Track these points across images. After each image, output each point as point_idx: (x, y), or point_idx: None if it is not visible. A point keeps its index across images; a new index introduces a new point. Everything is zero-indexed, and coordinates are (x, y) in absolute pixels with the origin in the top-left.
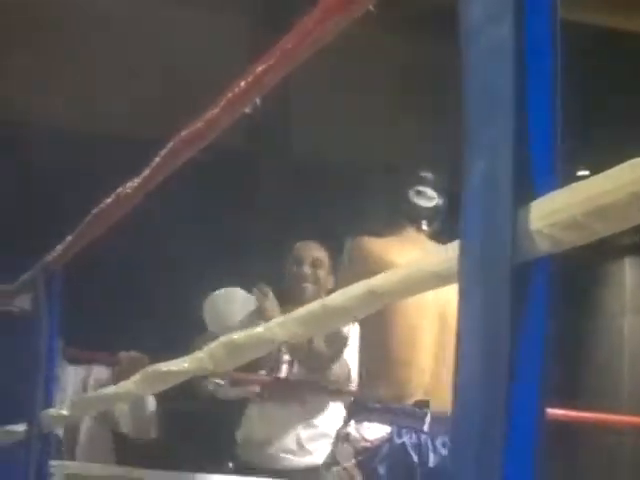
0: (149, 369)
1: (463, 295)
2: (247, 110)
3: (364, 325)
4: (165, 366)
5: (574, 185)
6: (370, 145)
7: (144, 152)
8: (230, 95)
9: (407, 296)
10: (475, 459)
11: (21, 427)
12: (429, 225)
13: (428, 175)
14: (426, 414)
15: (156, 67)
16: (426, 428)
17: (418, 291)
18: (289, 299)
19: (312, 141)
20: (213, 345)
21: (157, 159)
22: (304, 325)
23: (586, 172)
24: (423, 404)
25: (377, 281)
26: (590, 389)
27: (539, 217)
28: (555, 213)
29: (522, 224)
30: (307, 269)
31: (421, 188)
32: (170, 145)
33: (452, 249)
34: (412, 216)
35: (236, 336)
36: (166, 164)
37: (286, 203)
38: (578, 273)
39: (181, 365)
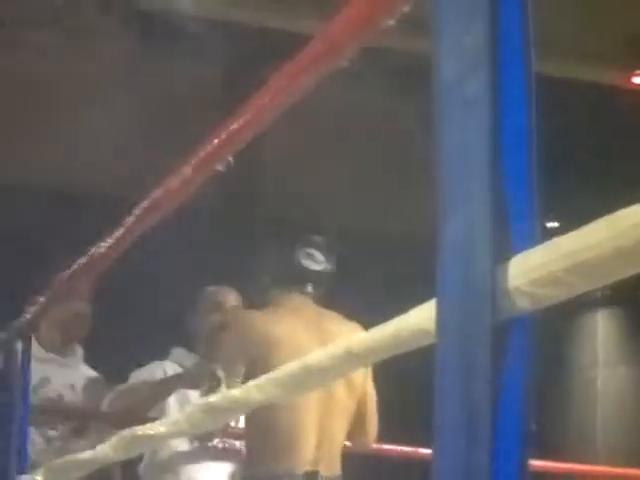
0: (126, 432)
1: (442, 353)
2: (220, 168)
3: None
4: (141, 430)
5: (553, 241)
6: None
7: (120, 211)
8: (203, 153)
9: (386, 355)
10: None
11: None
12: (315, 289)
13: (318, 238)
14: None
15: (131, 124)
16: None
17: (397, 350)
18: (66, 334)
19: None
20: (190, 408)
21: (130, 218)
22: (282, 387)
23: (555, 224)
24: (313, 474)
25: (355, 341)
26: (564, 441)
27: (518, 274)
28: (534, 270)
29: (501, 281)
30: (230, 316)
31: (310, 251)
32: (143, 204)
33: (431, 307)
34: (299, 279)
35: (213, 399)
36: (140, 223)
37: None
38: (550, 325)
39: (157, 429)
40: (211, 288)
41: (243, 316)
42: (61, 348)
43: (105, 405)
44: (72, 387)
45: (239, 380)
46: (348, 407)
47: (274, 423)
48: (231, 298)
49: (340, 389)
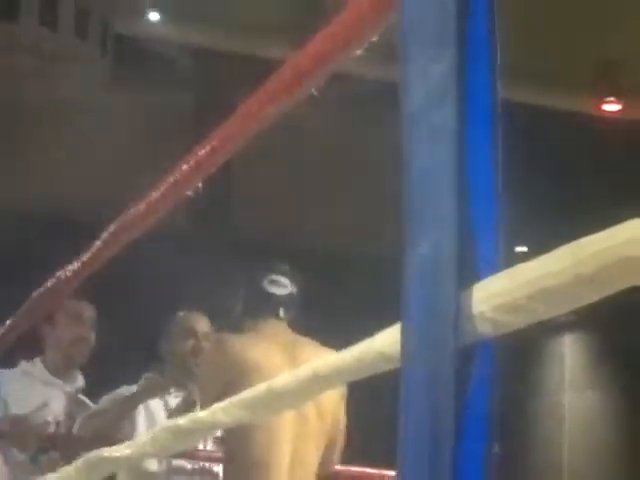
0: (91, 454)
1: (406, 377)
2: (189, 193)
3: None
4: (107, 451)
5: (516, 267)
6: None
7: (89, 235)
8: (172, 179)
9: (353, 378)
10: None
11: None
12: (286, 313)
13: (281, 264)
14: None
15: (101, 149)
16: None
17: (364, 373)
18: (69, 359)
19: None
20: (156, 430)
21: (98, 242)
22: (248, 409)
23: (524, 248)
24: None
25: (322, 364)
26: (531, 465)
27: (481, 300)
28: (497, 296)
29: (465, 307)
30: (202, 342)
31: (274, 277)
32: (111, 228)
33: (396, 330)
34: (269, 306)
35: (180, 421)
36: (107, 247)
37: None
38: (517, 350)
39: (123, 451)
40: (182, 313)
41: (220, 340)
42: (64, 373)
43: (75, 429)
44: (69, 415)
45: (214, 401)
46: (322, 432)
47: (248, 446)
48: (202, 324)
49: (313, 414)
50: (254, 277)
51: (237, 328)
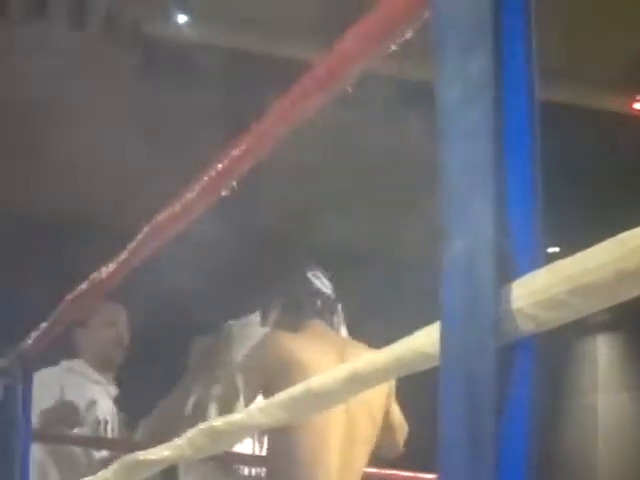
0: (127, 457)
1: (445, 376)
2: (224, 193)
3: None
4: (143, 455)
5: (557, 263)
6: None
7: (122, 238)
8: (206, 179)
9: (391, 378)
10: None
11: None
12: (330, 313)
13: (318, 264)
14: None
15: (131, 150)
16: None
17: (401, 373)
18: (106, 362)
19: None
20: (192, 432)
21: (133, 243)
22: (286, 410)
23: (556, 249)
24: None
25: (360, 363)
26: (564, 468)
27: (522, 296)
28: (538, 292)
29: (504, 304)
30: (122, 332)
31: (317, 273)
32: (146, 229)
33: (436, 329)
34: (316, 302)
35: (216, 422)
36: (141, 248)
37: None
38: (550, 351)
39: (160, 453)
40: (107, 304)
41: (271, 336)
42: (103, 375)
43: (137, 436)
44: (112, 414)
45: (257, 393)
46: (369, 434)
47: (296, 450)
48: (122, 315)
49: (364, 415)
50: (299, 273)
51: (290, 326)
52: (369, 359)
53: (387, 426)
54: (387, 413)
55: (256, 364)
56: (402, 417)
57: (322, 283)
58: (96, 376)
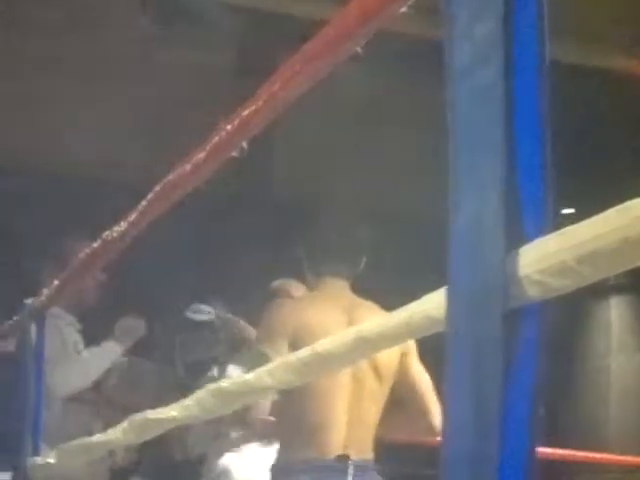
0: (137, 416)
1: (452, 341)
2: (234, 154)
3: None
4: (153, 414)
5: (564, 230)
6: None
7: (132, 197)
8: (216, 139)
9: (398, 342)
10: None
11: (7, 476)
12: (350, 269)
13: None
14: (348, 467)
15: (142, 113)
16: (350, 479)
17: (410, 337)
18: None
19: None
20: (200, 393)
21: (144, 203)
22: (294, 372)
23: (571, 210)
24: (344, 458)
25: (366, 327)
26: (577, 429)
27: (529, 263)
28: (545, 259)
29: (512, 270)
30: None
31: (339, 228)
32: (157, 189)
33: (442, 294)
34: (333, 256)
35: (224, 384)
36: (153, 208)
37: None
38: (563, 314)
39: (169, 413)
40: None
41: (280, 302)
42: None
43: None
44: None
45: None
46: (378, 392)
47: (303, 410)
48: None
49: (370, 376)
50: (319, 227)
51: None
52: (376, 323)
53: (409, 389)
54: (405, 375)
55: (274, 331)
56: (430, 389)
57: (343, 233)
58: (69, 318)
